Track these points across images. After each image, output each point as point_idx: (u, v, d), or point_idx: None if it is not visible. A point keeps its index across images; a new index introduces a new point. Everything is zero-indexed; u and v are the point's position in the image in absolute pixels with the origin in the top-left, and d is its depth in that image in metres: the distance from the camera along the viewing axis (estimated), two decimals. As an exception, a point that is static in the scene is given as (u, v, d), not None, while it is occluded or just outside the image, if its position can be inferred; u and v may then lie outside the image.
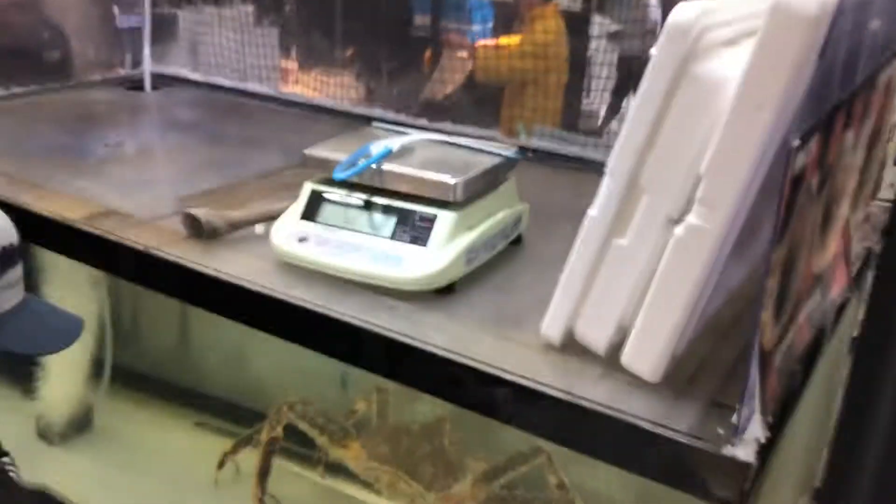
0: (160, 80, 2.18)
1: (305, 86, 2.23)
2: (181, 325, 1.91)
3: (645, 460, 0.80)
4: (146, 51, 2.14)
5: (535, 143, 1.78)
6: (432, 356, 0.91)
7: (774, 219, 0.71)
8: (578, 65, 2.65)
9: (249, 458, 1.51)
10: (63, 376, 1.77)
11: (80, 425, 1.80)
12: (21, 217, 1.26)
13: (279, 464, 1.54)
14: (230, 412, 1.83)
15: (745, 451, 0.75)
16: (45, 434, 1.78)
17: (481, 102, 2.49)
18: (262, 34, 2.56)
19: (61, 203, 1.29)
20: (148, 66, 2.13)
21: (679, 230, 0.80)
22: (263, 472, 1.44)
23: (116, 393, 1.88)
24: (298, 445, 1.57)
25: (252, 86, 2.17)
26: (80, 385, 1.79)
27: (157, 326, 1.94)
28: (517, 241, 1.24)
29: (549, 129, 2.01)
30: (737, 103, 0.73)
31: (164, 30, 2.26)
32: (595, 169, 1.65)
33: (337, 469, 1.57)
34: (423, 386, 0.95)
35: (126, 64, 2.25)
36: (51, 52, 2.14)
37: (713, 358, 0.93)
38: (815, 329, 0.98)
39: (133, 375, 1.94)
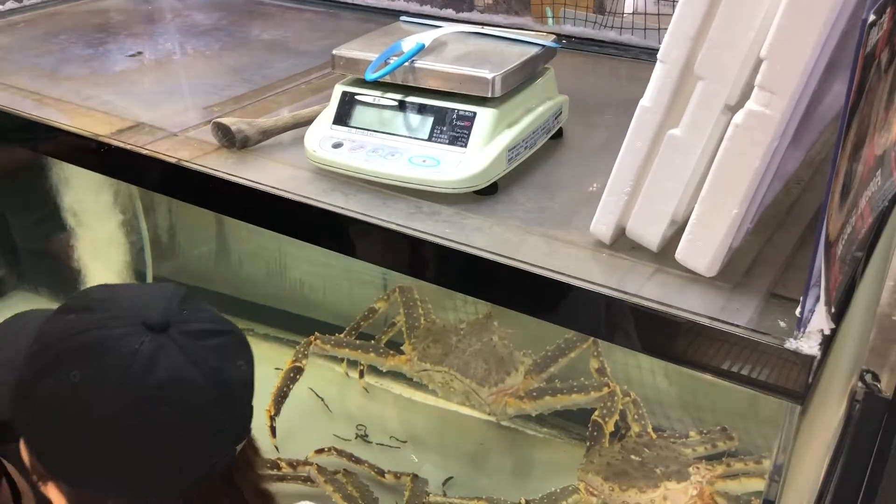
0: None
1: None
2: (219, 236, 1.91)
3: (703, 357, 0.79)
4: (157, -47, 2.05)
5: (568, 28, 1.70)
6: (477, 259, 0.89)
7: (843, 102, 0.66)
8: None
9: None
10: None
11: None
12: (53, 135, 1.25)
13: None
14: (276, 319, 1.85)
15: (809, 344, 0.73)
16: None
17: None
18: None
19: (90, 119, 1.27)
20: (160, -30, 2.05)
21: (738, 117, 0.75)
22: (281, 396, 1.46)
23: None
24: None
25: (268, -15, 2.08)
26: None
27: (196, 238, 1.94)
28: (558, 135, 1.20)
29: (580, 12, 1.91)
30: (804, -25, 0.67)
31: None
32: (633, 55, 1.59)
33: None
34: (469, 289, 0.93)
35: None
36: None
37: (769, 249, 0.91)
38: (876, 213, 0.94)
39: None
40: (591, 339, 1.45)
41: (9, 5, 1.92)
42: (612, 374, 1.47)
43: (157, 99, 1.38)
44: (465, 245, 0.91)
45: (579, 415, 1.43)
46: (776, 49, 0.71)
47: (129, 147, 1.16)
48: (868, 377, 1.75)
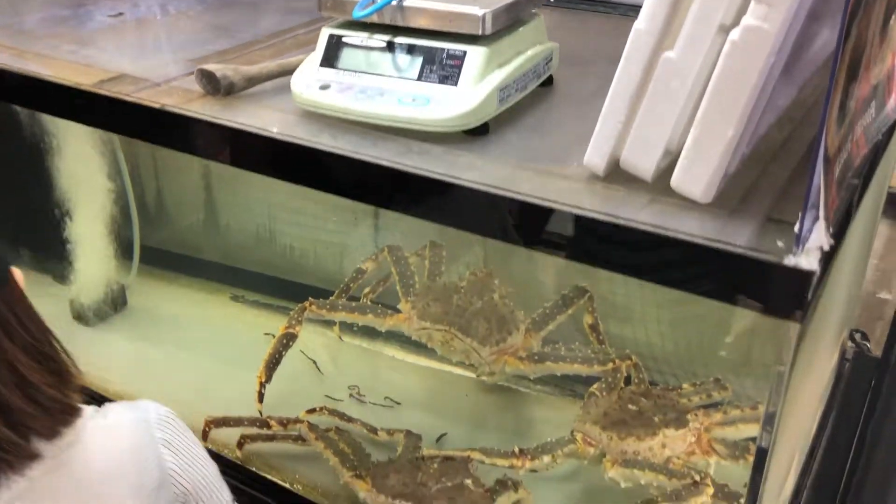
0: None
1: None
2: (208, 204, 1.89)
3: (701, 279, 0.78)
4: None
5: (557, -13, 1.69)
6: (472, 191, 0.88)
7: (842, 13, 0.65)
8: None
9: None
10: (92, 259, 1.77)
11: (115, 305, 1.81)
12: (33, 86, 1.23)
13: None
14: (266, 285, 1.83)
15: (808, 260, 0.72)
16: (80, 316, 1.79)
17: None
18: None
19: (71, 70, 1.24)
20: (141, -64, 2.02)
21: (735, 34, 0.74)
22: (272, 362, 1.42)
23: (149, 273, 1.89)
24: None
25: (252, -49, 2.05)
26: (110, 267, 1.79)
27: (184, 206, 1.92)
28: (548, 82, 1.18)
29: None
30: None
31: None
32: (621, 11, 1.57)
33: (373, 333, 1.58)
34: (464, 224, 0.92)
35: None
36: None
37: (764, 179, 0.90)
38: (871, 146, 0.94)
39: (165, 255, 1.94)
40: (588, 295, 1.44)
41: (-14, -30, 1.88)
42: (605, 330, 1.47)
43: (140, 54, 1.36)
44: (458, 178, 0.90)
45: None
46: (773, -40, 0.70)
47: (112, 94, 1.14)
48: (857, 336, 1.76)
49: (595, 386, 1.32)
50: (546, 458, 1.23)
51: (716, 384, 1.29)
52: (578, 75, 1.22)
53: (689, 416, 1.20)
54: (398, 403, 1.54)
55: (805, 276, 0.71)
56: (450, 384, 1.60)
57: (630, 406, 1.24)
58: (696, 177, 0.81)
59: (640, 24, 0.80)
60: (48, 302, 1.79)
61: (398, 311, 1.38)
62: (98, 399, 1.55)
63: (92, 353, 1.68)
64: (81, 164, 1.74)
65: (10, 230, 1.87)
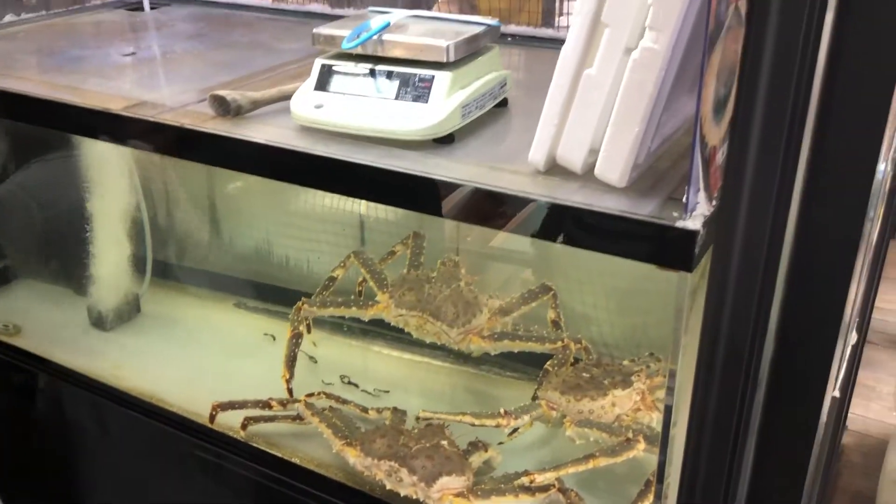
0: (156, 1, 2.32)
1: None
2: (212, 222, 2.11)
3: (615, 241, 1.00)
4: (142, -28, 2.27)
5: (512, 28, 1.94)
6: (441, 182, 1.10)
7: (704, 27, 0.89)
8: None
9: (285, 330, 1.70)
10: (109, 273, 1.97)
11: (130, 312, 2.01)
12: (69, 111, 1.44)
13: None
14: (264, 293, 2.05)
15: (693, 223, 0.95)
16: (98, 323, 1.98)
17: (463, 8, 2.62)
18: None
19: (98, 98, 1.46)
20: (145, -13, 2.26)
21: (635, 53, 0.98)
22: (290, 361, 1.64)
23: (160, 284, 2.09)
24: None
25: (245, -1, 2.30)
26: (125, 280, 1.99)
27: (190, 224, 2.13)
28: (503, 103, 1.42)
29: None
30: (673, -61, 0.90)
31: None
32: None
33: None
34: (431, 210, 1.14)
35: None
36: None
37: (672, 171, 1.13)
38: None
39: (174, 267, 2.15)
40: (551, 293, 1.65)
41: (7, 18, 2.11)
42: (566, 321, 1.68)
43: (155, 85, 1.59)
44: (430, 173, 1.12)
45: (538, 360, 1.63)
46: (658, -2, 0.94)
47: (139, 117, 1.36)
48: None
49: (549, 362, 1.53)
50: (525, 417, 1.44)
51: (651, 357, 1.50)
52: (528, 98, 1.46)
53: (633, 378, 1.42)
54: (387, 392, 1.74)
55: (690, 234, 0.94)
56: (428, 372, 1.80)
57: (584, 374, 1.46)
58: (613, 166, 1.04)
59: (567, 47, 1.04)
60: (69, 311, 2.00)
61: (377, 303, 1.59)
62: (114, 395, 1.75)
63: (108, 354, 1.88)
64: (104, 189, 1.96)
65: (38, 248, 2.08)
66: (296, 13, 2.22)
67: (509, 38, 1.88)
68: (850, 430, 2.67)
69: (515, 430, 1.48)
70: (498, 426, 1.45)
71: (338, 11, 2.17)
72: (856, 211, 0.90)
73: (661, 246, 0.97)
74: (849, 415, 2.53)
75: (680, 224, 0.95)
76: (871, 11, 0.83)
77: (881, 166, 0.93)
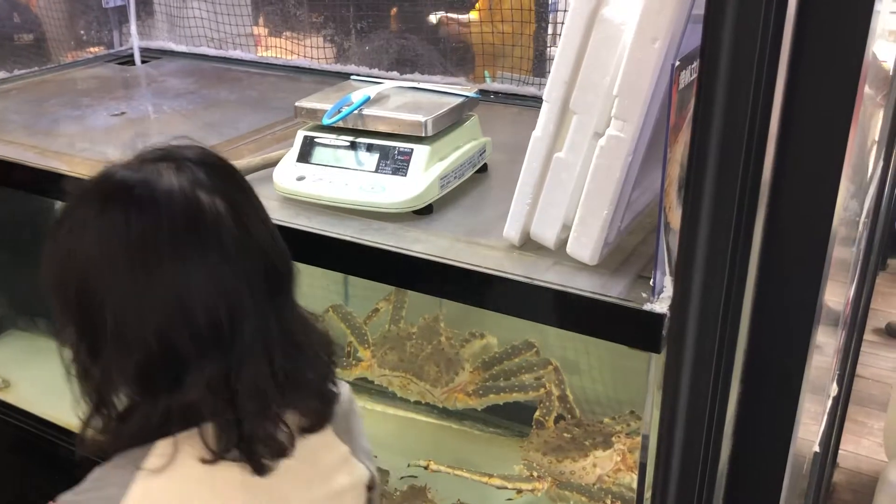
0: (148, 54, 2.36)
1: (282, 49, 2.39)
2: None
3: (587, 321, 1.03)
4: (133, 27, 2.31)
5: (497, 86, 1.98)
6: (418, 259, 1.13)
7: (665, 124, 0.93)
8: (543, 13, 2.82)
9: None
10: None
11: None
12: (56, 181, 1.47)
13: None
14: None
15: (660, 306, 0.98)
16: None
17: (445, 53, 2.67)
18: (232, 3, 2.66)
19: (85, 165, 1.49)
20: (136, 42, 2.31)
21: (602, 141, 1.01)
22: None
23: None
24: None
25: (234, 53, 2.35)
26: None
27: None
28: (483, 169, 1.45)
29: (515, 74, 2.19)
30: (635, 38, 0.94)
31: (141, 6, 2.43)
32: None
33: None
34: (413, 286, 1.16)
35: (114, 41, 2.42)
36: (23, 35, 2.30)
37: (642, 247, 1.16)
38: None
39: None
40: (535, 349, 1.68)
41: (0, 75, 2.15)
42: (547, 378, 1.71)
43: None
44: (406, 250, 1.15)
45: (518, 415, 1.65)
46: (623, 88, 0.97)
47: (125, 187, 1.38)
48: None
49: (537, 412, 1.55)
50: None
51: (631, 415, 1.53)
52: (509, 161, 1.49)
53: (613, 439, 1.44)
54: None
55: (658, 317, 0.97)
56: (416, 429, 1.82)
57: (565, 434, 1.48)
58: (584, 245, 1.07)
59: (537, 132, 1.07)
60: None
61: (361, 360, 1.62)
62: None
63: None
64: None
65: (32, 305, 2.09)
66: (284, 67, 2.27)
67: (492, 96, 1.92)
68: (840, 467, 2.68)
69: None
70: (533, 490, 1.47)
71: (325, 66, 2.22)
72: (812, 282, 0.92)
73: (629, 328, 1.00)
74: (839, 452, 2.55)
75: (647, 307, 0.98)
76: (819, 93, 0.85)
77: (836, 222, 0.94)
